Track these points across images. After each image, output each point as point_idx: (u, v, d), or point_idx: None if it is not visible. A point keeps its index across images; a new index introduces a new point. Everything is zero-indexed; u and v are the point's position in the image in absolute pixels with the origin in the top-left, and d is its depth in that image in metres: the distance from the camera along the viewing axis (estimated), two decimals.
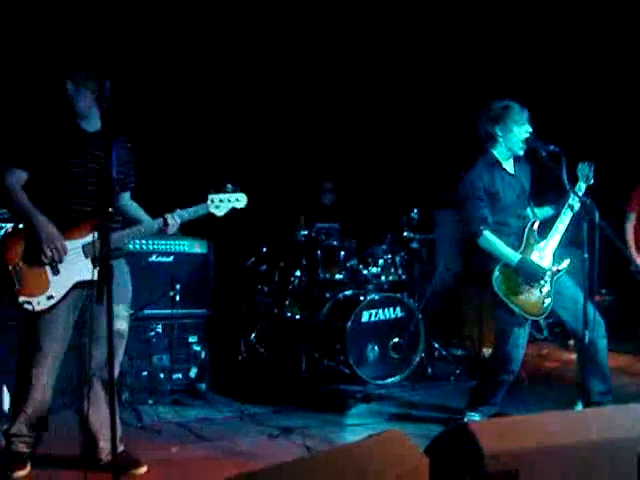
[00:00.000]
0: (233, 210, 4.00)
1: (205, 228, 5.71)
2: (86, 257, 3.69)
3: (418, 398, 5.48)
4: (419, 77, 7.75)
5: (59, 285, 3.65)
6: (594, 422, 2.86)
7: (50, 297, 3.63)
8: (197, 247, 5.47)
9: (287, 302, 6.29)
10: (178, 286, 5.28)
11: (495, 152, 4.52)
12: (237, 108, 7.25)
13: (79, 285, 3.70)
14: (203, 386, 5.41)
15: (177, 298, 5.28)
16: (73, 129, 3.80)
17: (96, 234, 3.62)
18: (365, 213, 7.20)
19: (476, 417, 4.53)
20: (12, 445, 3.79)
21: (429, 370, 6.10)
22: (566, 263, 4.45)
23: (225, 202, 3.91)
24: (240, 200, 3.95)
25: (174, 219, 3.81)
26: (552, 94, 7.32)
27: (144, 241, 5.27)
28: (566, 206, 4.44)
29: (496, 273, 4.34)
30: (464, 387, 5.47)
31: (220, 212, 3.92)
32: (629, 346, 6.80)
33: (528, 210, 4.55)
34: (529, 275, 4.33)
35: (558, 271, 4.44)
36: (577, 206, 4.41)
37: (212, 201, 3.88)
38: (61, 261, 3.64)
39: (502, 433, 2.69)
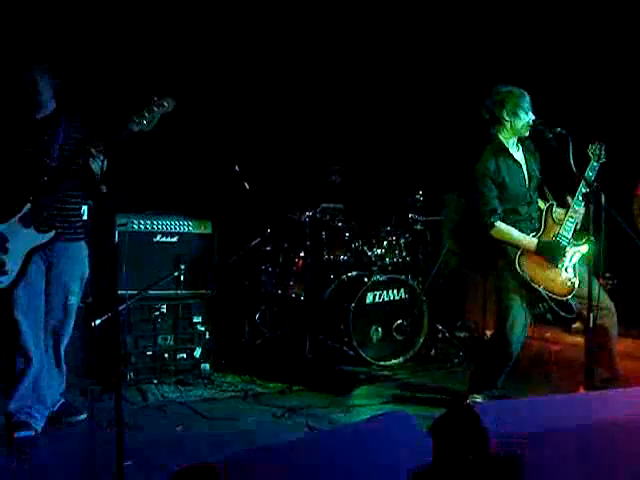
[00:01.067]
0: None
1: (210, 208, 5.73)
2: (27, 227, 3.91)
3: (421, 380, 5.50)
4: (424, 59, 7.71)
5: (13, 260, 3.89)
6: (597, 405, 2.87)
7: (5, 272, 3.87)
8: (202, 227, 5.47)
9: (291, 283, 6.30)
10: (183, 266, 5.29)
11: (501, 136, 4.52)
12: (245, 90, 7.22)
13: (34, 252, 3.96)
14: (207, 366, 5.43)
15: (182, 278, 5.29)
16: (27, 120, 4.05)
17: (29, 204, 3.91)
18: (370, 194, 7.18)
19: (478, 399, 4.54)
20: (14, 417, 3.93)
21: (432, 352, 6.12)
22: (585, 248, 4.42)
23: (150, 113, 3.87)
24: (167, 104, 3.90)
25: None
26: (558, 77, 7.28)
27: (149, 221, 5.28)
28: (578, 197, 4.40)
29: (518, 258, 4.36)
30: (467, 370, 5.48)
31: (148, 125, 3.88)
32: (633, 330, 6.81)
33: (535, 196, 4.56)
34: (551, 255, 4.36)
35: (579, 252, 4.43)
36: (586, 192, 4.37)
37: (134, 120, 3.85)
38: (6, 241, 3.87)
39: (506, 415, 2.70)
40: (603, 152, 4.42)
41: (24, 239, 3.91)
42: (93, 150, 3.84)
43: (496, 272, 4.55)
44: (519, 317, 4.45)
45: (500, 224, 4.39)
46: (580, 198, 4.38)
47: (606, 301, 4.40)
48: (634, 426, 2.71)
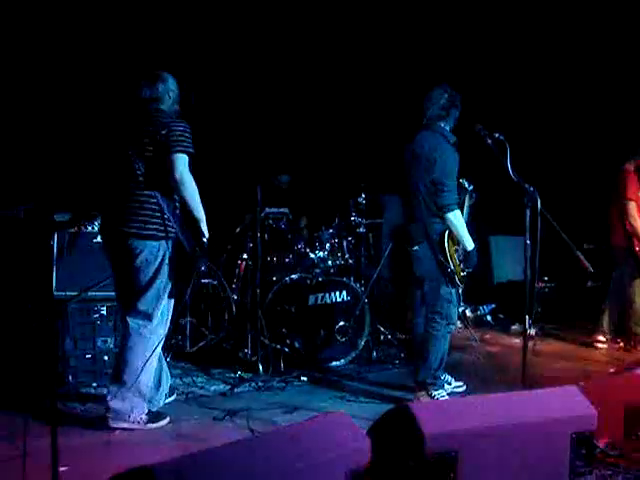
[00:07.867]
0: None
1: None
2: None
3: (363, 381, 5.53)
4: (366, 63, 7.79)
5: None
6: (530, 403, 2.94)
7: None
8: None
9: (234, 285, 6.27)
10: None
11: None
12: (196, 91, 7.21)
13: None
14: None
15: None
16: None
17: None
18: (314, 197, 7.21)
19: (443, 393, 4.76)
20: None
21: (374, 354, 6.16)
22: None
23: None
24: None
25: None
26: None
27: (89, 222, 5.19)
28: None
29: (446, 237, 4.62)
30: (409, 370, 5.54)
31: None
32: (568, 332, 7.01)
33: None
34: (470, 262, 4.63)
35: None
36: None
37: None
38: None
39: (442, 415, 2.75)
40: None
41: None
42: None
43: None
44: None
45: (459, 212, 4.63)
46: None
47: None
48: (564, 423, 2.79)
